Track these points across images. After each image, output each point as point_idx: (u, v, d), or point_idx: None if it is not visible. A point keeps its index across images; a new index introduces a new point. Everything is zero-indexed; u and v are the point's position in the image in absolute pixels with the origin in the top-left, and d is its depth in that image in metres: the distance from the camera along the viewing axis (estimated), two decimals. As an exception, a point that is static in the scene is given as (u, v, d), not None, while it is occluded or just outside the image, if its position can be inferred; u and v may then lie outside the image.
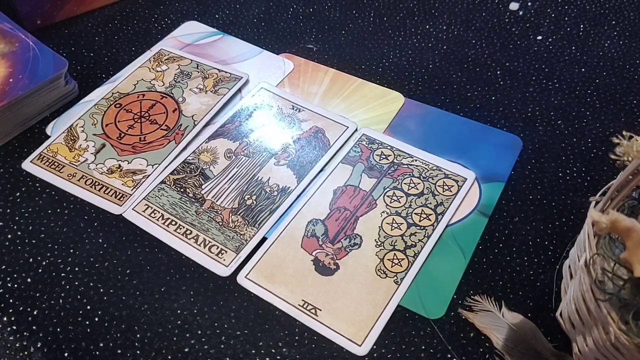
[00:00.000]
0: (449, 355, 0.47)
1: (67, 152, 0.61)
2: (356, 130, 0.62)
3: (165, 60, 0.70)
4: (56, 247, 0.54)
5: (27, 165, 0.60)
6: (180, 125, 0.63)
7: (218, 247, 0.53)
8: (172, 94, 0.66)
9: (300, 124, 0.63)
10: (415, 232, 0.54)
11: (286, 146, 0.61)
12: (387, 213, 0.55)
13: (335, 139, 0.61)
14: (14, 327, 0.49)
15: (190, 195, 0.57)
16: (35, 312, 0.50)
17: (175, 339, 0.49)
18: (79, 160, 0.60)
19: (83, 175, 0.59)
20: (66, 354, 0.48)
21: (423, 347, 0.48)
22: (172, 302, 0.51)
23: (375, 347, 0.48)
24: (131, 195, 0.58)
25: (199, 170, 0.59)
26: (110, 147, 0.62)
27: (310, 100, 0.66)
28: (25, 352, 0.48)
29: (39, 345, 0.48)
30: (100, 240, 0.55)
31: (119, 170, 0.60)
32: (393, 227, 0.54)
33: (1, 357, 0.48)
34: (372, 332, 0.48)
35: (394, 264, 0.52)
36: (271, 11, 0.78)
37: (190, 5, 0.79)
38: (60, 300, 0.51)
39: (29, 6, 0.72)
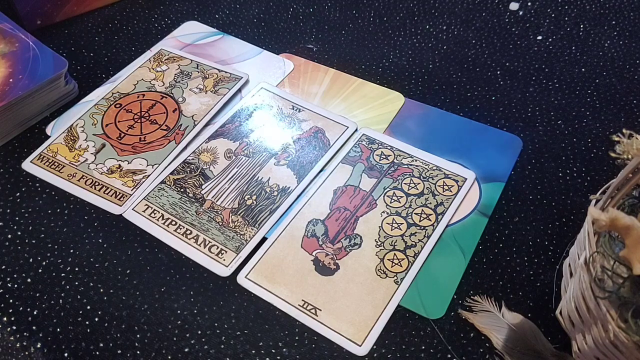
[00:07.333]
0: (449, 355, 0.47)
1: (67, 152, 0.61)
2: (356, 130, 0.62)
3: (165, 60, 0.70)
4: (56, 247, 0.54)
5: (27, 165, 0.60)
6: (180, 125, 0.63)
7: (218, 247, 0.53)
8: (172, 94, 0.66)
9: (300, 124, 0.63)
10: (415, 232, 0.54)
11: (286, 146, 0.61)
12: (387, 213, 0.55)
13: (335, 139, 0.61)
14: (14, 327, 0.49)
15: (190, 195, 0.57)
16: (35, 312, 0.50)
17: (175, 339, 0.49)
18: (79, 160, 0.60)
19: (83, 175, 0.59)
20: (66, 354, 0.48)
21: (423, 347, 0.48)
22: (172, 302, 0.51)
23: (375, 347, 0.48)
24: (131, 195, 0.58)
25: (199, 170, 0.59)
26: (110, 147, 0.62)
27: (310, 100, 0.66)
28: (26, 352, 0.48)
29: (39, 346, 0.48)
30: (100, 240, 0.55)
31: (119, 170, 0.60)
32: (393, 227, 0.54)
33: (1, 357, 0.48)
34: (372, 332, 0.48)
35: (394, 264, 0.52)
36: (271, 11, 0.78)
37: (190, 5, 0.79)
38: (60, 300, 0.51)
39: (29, 6, 0.72)
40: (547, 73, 0.69)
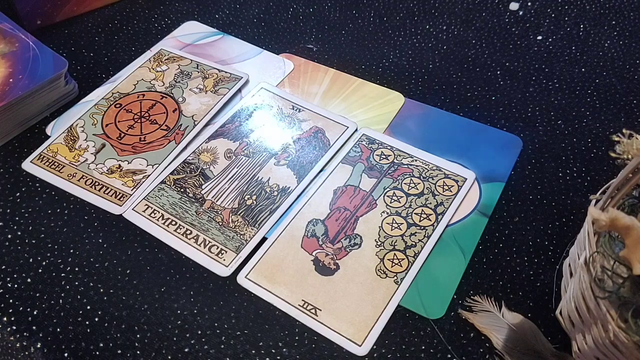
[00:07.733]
0: (449, 355, 0.47)
1: (67, 152, 0.61)
2: (356, 130, 0.62)
3: (165, 60, 0.70)
4: (56, 247, 0.54)
5: (27, 165, 0.60)
6: (180, 125, 0.63)
7: (218, 247, 0.53)
8: (172, 94, 0.66)
9: (300, 124, 0.63)
10: (415, 232, 0.54)
11: (286, 146, 0.61)
12: (387, 213, 0.55)
13: (335, 139, 0.61)
14: (14, 327, 0.49)
15: (190, 195, 0.57)
16: (35, 312, 0.50)
17: (175, 339, 0.49)
18: (79, 160, 0.60)
19: (83, 175, 0.59)
20: (66, 354, 0.48)
21: (423, 347, 0.48)
22: (172, 302, 0.51)
23: (375, 347, 0.48)
24: (131, 195, 0.58)
25: (199, 170, 0.59)
26: (110, 147, 0.62)
27: (310, 100, 0.66)
28: (26, 352, 0.48)
29: (39, 346, 0.48)
30: (100, 240, 0.55)
31: (119, 170, 0.60)
32: (393, 227, 0.54)
33: (1, 357, 0.48)
34: (372, 332, 0.48)
35: (394, 264, 0.52)
36: (271, 11, 0.78)
37: (190, 5, 0.79)
38: (60, 300, 0.51)
39: (29, 6, 0.72)
40: (547, 73, 0.69)
